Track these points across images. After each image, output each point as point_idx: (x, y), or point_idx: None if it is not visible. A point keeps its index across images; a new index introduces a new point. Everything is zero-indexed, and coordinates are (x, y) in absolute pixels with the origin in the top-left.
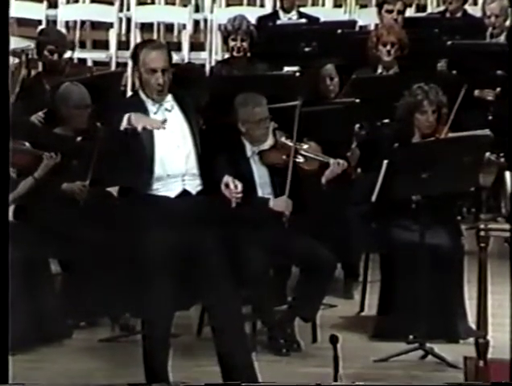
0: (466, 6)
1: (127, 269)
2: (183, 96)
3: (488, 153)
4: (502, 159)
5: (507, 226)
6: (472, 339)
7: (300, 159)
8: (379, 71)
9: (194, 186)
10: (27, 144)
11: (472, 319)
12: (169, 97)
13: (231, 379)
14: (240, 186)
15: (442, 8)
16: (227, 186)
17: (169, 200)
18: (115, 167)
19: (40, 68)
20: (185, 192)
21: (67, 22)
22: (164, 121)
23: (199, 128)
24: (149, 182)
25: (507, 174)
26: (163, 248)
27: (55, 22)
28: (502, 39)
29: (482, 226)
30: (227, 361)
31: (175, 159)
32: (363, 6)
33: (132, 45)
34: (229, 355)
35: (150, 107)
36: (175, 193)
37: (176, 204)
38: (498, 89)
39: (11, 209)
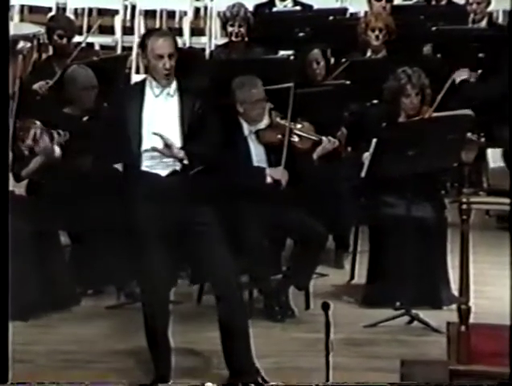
0: None
1: (129, 240)
2: (186, 83)
3: (469, 134)
4: (483, 139)
5: (488, 199)
6: (454, 306)
7: (295, 138)
8: (368, 54)
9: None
10: (38, 123)
11: (454, 287)
12: (174, 84)
13: (229, 342)
14: None
15: None
16: None
17: (160, 177)
18: (108, 145)
19: (50, 52)
20: (175, 172)
21: (75, 9)
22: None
23: (193, 112)
24: (137, 160)
25: (489, 150)
26: (155, 221)
27: (64, 9)
28: (484, 24)
29: (464, 200)
30: (227, 325)
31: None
32: None
33: (136, 30)
34: (228, 320)
35: (154, 89)
36: (166, 172)
37: (167, 181)
38: (479, 71)
39: (24, 184)
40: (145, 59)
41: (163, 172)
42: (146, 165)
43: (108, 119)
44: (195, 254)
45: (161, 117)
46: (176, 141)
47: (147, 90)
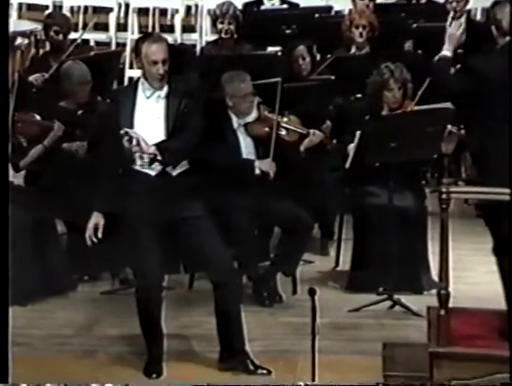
0: None
1: (124, 230)
2: (176, 86)
3: (449, 126)
4: (462, 131)
5: (466, 189)
6: (434, 291)
7: (282, 131)
8: (352, 51)
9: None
10: (37, 116)
11: (434, 272)
12: (166, 88)
13: (225, 326)
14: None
15: None
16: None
17: (150, 176)
18: (103, 146)
19: (47, 48)
20: (165, 172)
21: (71, 7)
22: None
23: (178, 111)
24: (130, 160)
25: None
26: (149, 216)
27: (60, 6)
28: (462, 21)
29: (444, 189)
30: (224, 310)
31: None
32: None
33: (130, 27)
34: (225, 306)
35: (146, 91)
36: (156, 172)
37: (157, 180)
38: (458, 66)
39: (22, 174)
40: (139, 63)
41: (153, 172)
42: (139, 164)
43: (103, 119)
44: (190, 245)
45: (150, 118)
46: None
47: (139, 92)
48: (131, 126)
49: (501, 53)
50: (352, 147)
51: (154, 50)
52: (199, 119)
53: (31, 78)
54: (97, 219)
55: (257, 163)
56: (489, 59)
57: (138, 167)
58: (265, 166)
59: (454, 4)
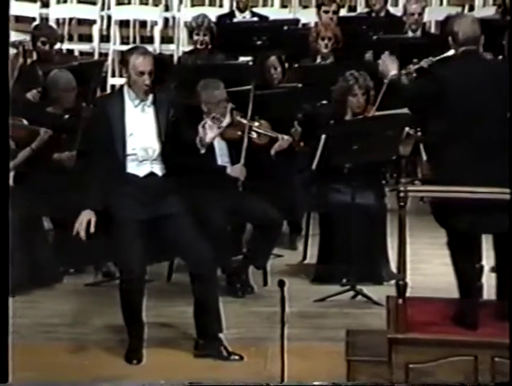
0: (388, 7)
1: (110, 227)
2: (161, 96)
3: (407, 128)
4: (419, 133)
5: (422, 188)
6: (393, 281)
7: (253, 135)
8: (318, 60)
9: (160, 168)
10: (24, 120)
11: (393, 265)
12: (150, 97)
13: (203, 316)
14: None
15: (369, 9)
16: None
17: (138, 177)
18: (94, 148)
19: (35, 57)
20: (152, 173)
21: (57, 19)
22: None
23: (168, 121)
24: (122, 163)
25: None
26: (134, 213)
27: (47, 18)
28: (419, 33)
29: (402, 188)
30: (201, 301)
31: (147, 147)
32: (305, 7)
33: (112, 38)
34: (203, 296)
35: (133, 101)
36: (143, 173)
37: (144, 181)
38: (414, 75)
39: (11, 175)
40: (126, 74)
41: (141, 173)
42: (130, 166)
43: (95, 125)
44: (173, 239)
45: (140, 125)
46: (155, 147)
47: (127, 100)
48: (123, 133)
49: (457, 60)
50: (318, 149)
51: (142, 61)
52: (187, 126)
53: (29, 95)
54: (89, 215)
55: (228, 170)
56: (448, 66)
57: (128, 169)
58: (235, 171)
59: (416, 16)
